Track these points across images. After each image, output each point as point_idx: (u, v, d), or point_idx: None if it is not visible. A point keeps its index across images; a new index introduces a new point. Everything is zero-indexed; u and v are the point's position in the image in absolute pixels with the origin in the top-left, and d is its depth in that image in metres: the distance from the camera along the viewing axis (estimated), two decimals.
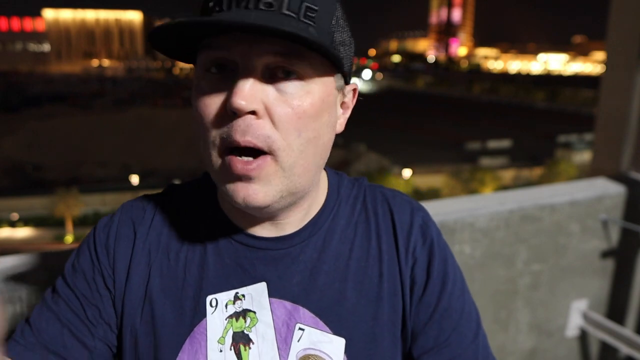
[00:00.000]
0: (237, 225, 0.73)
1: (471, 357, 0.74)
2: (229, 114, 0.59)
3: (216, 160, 0.62)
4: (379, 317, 0.72)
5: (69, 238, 35.60)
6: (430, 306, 0.74)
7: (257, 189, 0.61)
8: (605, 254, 2.06)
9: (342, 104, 0.71)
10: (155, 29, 0.58)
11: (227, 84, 0.60)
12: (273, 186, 0.62)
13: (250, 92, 0.58)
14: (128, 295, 0.71)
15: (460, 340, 0.74)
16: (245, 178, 0.61)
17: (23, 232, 37.18)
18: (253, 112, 0.59)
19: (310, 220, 0.73)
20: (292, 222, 0.72)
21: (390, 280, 0.73)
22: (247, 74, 0.59)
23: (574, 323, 2.06)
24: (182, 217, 0.75)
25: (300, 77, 0.61)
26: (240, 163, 0.60)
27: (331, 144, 0.70)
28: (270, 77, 0.60)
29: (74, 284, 0.73)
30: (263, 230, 0.72)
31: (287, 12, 0.57)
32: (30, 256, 1.23)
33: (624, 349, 1.91)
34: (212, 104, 0.61)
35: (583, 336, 2.11)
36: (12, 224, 37.66)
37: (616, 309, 2.16)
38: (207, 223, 0.74)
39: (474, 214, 1.70)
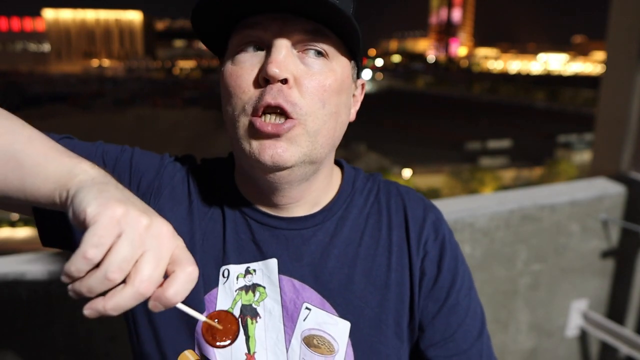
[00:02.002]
0: (253, 204, 0.76)
1: (475, 355, 0.77)
2: (261, 83, 0.65)
3: (244, 123, 0.66)
4: (385, 304, 0.74)
5: None
6: (439, 300, 0.76)
7: (285, 147, 0.65)
8: (605, 254, 2.06)
9: (353, 96, 0.76)
10: (201, 2, 0.63)
11: (260, 59, 0.67)
12: (299, 147, 0.66)
13: (283, 62, 0.64)
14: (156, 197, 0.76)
15: (465, 337, 0.76)
16: (274, 136, 0.65)
17: (23, 232, 37.15)
18: (285, 81, 0.64)
19: (325, 207, 0.77)
20: (301, 207, 0.76)
21: (399, 270, 0.76)
22: (280, 48, 0.65)
23: (574, 323, 2.06)
24: (209, 190, 0.79)
25: (325, 56, 0.68)
26: (270, 125, 0.64)
27: (345, 128, 0.74)
28: (299, 53, 0.67)
29: (137, 163, 0.79)
30: (277, 211, 0.76)
31: None
32: (30, 256, 1.23)
33: (624, 349, 1.91)
34: (245, 74, 0.66)
35: (583, 336, 2.11)
36: (12, 224, 37.63)
37: (616, 309, 2.16)
38: (226, 199, 0.77)
39: (474, 214, 1.70)
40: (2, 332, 1.17)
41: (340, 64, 0.69)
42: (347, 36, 0.67)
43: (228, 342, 0.56)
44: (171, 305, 0.49)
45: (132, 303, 0.47)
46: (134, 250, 0.47)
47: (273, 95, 0.64)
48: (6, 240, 35.96)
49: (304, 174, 0.70)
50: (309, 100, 0.66)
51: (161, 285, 0.49)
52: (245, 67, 0.67)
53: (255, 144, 0.66)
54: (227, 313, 0.58)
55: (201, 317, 0.55)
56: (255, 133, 0.66)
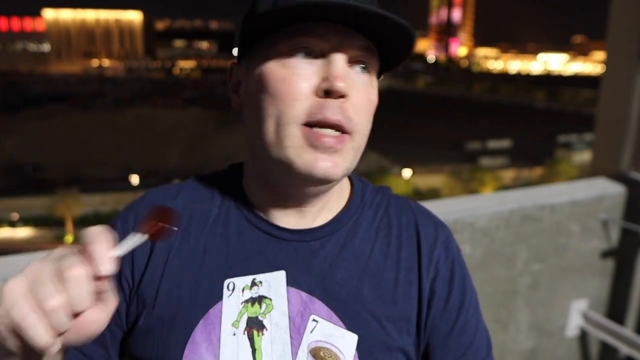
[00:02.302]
0: (262, 215, 0.76)
1: None
2: (319, 94, 0.65)
3: (295, 133, 0.66)
4: (391, 319, 0.74)
5: (69, 238, 35.56)
6: (450, 321, 0.76)
7: (338, 161, 0.67)
8: (605, 254, 2.06)
9: None
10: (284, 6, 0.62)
11: (316, 69, 0.66)
12: (347, 162, 0.68)
13: (345, 75, 0.65)
14: (146, 277, 0.73)
15: (476, 356, 0.78)
16: (331, 151, 0.66)
17: (23, 232, 37.16)
18: (343, 95, 0.65)
19: (334, 218, 0.77)
20: (314, 213, 0.76)
21: (406, 285, 0.75)
22: (340, 61, 0.66)
23: (574, 323, 2.06)
24: (205, 204, 0.78)
25: (369, 72, 0.70)
26: (328, 138, 0.65)
27: None
28: (349, 67, 0.68)
29: None
30: (286, 221, 0.75)
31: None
32: (30, 256, 1.23)
33: (624, 349, 1.91)
34: (301, 82, 0.65)
35: (583, 336, 2.11)
36: (12, 224, 37.63)
37: (616, 309, 2.16)
38: (231, 211, 0.77)
39: (474, 214, 1.70)
40: None
41: (376, 80, 0.72)
42: (395, 55, 0.70)
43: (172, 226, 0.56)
44: (110, 258, 0.50)
45: (86, 287, 0.48)
46: (41, 274, 0.48)
47: (334, 112, 0.65)
48: (6, 240, 35.95)
49: (336, 184, 0.73)
50: (360, 116, 0.68)
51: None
52: (299, 73, 0.66)
53: (308, 155, 0.66)
54: (155, 210, 0.57)
55: (139, 239, 0.55)
56: (310, 144, 0.65)
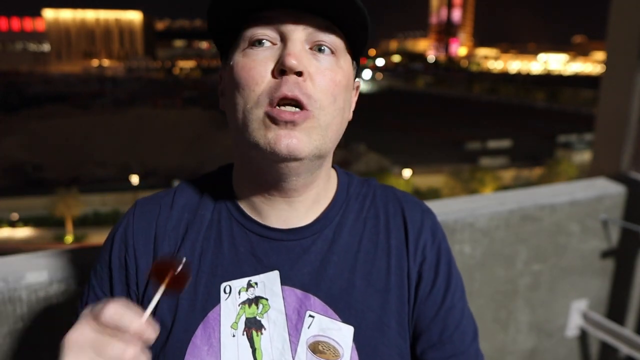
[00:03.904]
0: (252, 217, 0.77)
1: (472, 355, 0.79)
2: (276, 75, 0.67)
3: (258, 115, 0.67)
4: (386, 307, 0.75)
5: (69, 238, 35.55)
6: (436, 304, 0.78)
7: (300, 137, 0.67)
8: (605, 254, 2.06)
9: None
10: None
11: (273, 52, 0.69)
12: (312, 140, 0.68)
13: (299, 54, 0.67)
14: (149, 288, 0.76)
15: (463, 339, 0.79)
16: (290, 125, 0.66)
17: (23, 232, 37.12)
18: (300, 74, 0.66)
19: (321, 215, 0.78)
20: (304, 206, 0.77)
21: (398, 273, 0.77)
22: (295, 42, 0.68)
23: (574, 323, 2.06)
24: (198, 209, 0.79)
25: (333, 53, 0.71)
26: (287, 113, 0.66)
27: (346, 125, 0.77)
28: (310, 50, 0.70)
29: (107, 286, 0.78)
30: (277, 218, 0.77)
31: None
32: (30, 256, 1.23)
33: (624, 349, 1.91)
34: (259, 67, 0.68)
35: (583, 336, 2.11)
36: (12, 224, 37.60)
37: (616, 309, 2.16)
38: (222, 214, 0.78)
39: (474, 214, 1.70)
40: (1, 332, 1.17)
41: (346, 62, 0.73)
42: (356, 32, 0.71)
43: (180, 267, 0.61)
44: (145, 324, 0.57)
45: None
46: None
47: (290, 88, 0.65)
48: (6, 240, 35.93)
49: (312, 167, 0.72)
50: (322, 94, 0.68)
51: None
52: (258, 59, 0.68)
53: (270, 134, 0.67)
54: (166, 264, 0.61)
55: (158, 294, 0.60)
56: (272, 123, 0.67)
